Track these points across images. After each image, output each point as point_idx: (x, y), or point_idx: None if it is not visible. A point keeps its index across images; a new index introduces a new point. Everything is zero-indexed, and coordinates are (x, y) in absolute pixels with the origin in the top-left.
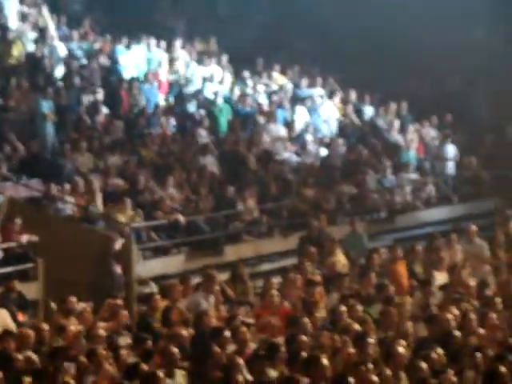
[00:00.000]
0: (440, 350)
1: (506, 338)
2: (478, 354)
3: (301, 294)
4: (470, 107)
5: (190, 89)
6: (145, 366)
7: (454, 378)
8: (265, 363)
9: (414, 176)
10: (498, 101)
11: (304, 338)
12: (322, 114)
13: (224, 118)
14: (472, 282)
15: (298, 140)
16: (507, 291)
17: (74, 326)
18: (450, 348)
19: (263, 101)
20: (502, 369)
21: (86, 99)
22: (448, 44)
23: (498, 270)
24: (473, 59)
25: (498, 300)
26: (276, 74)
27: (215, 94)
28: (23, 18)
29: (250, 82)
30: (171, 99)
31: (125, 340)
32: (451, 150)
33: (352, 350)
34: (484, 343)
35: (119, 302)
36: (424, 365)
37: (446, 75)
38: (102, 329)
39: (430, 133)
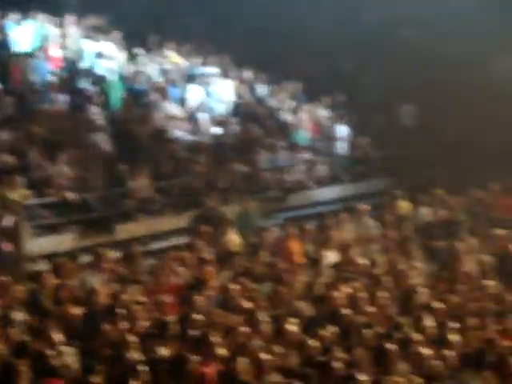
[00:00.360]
0: (330, 328)
1: (394, 315)
2: (367, 332)
3: (193, 272)
4: (362, 88)
5: (82, 65)
6: (35, 344)
7: (343, 355)
8: (156, 341)
9: (306, 155)
10: (388, 82)
11: (196, 316)
12: (215, 93)
13: (116, 95)
14: (362, 261)
15: (191, 118)
16: (396, 270)
17: None
18: (339, 326)
19: (156, 78)
20: (390, 346)
21: None
22: (339, 25)
23: (387, 249)
24: (364, 40)
25: (387, 279)
26: (169, 52)
27: (107, 70)
28: None
29: (143, 59)
30: (63, 75)
31: (19, 316)
32: (343, 130)
33: (244, 329)
34: (373, 321)
35: (7, 279)
36: (313, 342)
37: (338, 56)
38: None
39: (323, 113)
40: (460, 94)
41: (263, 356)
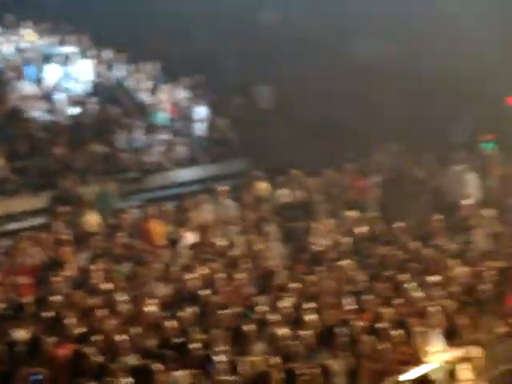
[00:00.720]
0: (188, 309)
1: (252, 296)
2: (225, 313)
3: (50, 253)
4: (221, 69)
5: None
6: None
7: (201, 336)
8: (12, 323)
9: (164, 136)
10: (247, 64)
11: (53, 297)
12: (73, 73)
13: None
14: (220, 242)
15: (48, 98)
16: (254, 251)
17: None
18: (197, 307)
19: (12, 57)
20: (247, 326)
21: None
22: (199, 5)
23: (246, 230)
24: (224, 22)
25: (245, 260)
26: (26, 31)
27: None
28: None
29: None
30: None
31: None
32: (202, 111)
33: (101, 310)
34: (230, 302)
35: None
36: (171, 323)
37: (197, 37)
38: None
39: (182, 94)
40: (319, 77)
41: (119, 337)
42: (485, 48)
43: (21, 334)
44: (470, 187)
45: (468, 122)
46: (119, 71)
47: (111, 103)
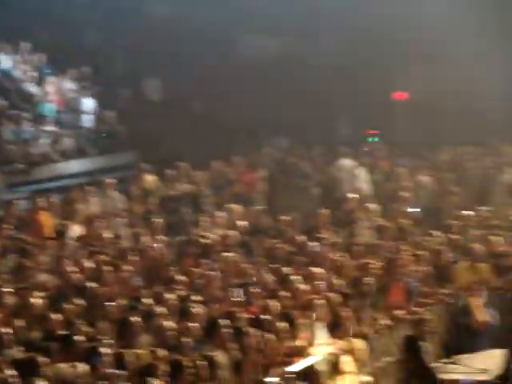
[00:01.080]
0: (75, 301)
1: (138, 288)
2: (111, 305)
3: None
4: (108, 61)
5: None
6: None
7: (87, 329)
8: None
9: (51, 128)
10: (135, 55)
11: None
12: None
13: None
14: (107, 235)
15: None
16: (140, 244)
17: None
18: (84, 299)
19: None
20: (133, 318)
21: None
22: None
23: (133, 222)
24: (111, 14)
25: (132, 252)
26: None
27: None
28: None
29: None
30: None
31: None
32: (89, 103)
33: None
34: (117, 294)
35: None
36: (56, 316)
37: (84, 28)
38: None
39: (69, 85)
40: (207, 68)
41: (4, 329)
42: (372, 43)
43: None
44: (359, 181)
45: (355, 116)
46: (5, 62)
47: None
